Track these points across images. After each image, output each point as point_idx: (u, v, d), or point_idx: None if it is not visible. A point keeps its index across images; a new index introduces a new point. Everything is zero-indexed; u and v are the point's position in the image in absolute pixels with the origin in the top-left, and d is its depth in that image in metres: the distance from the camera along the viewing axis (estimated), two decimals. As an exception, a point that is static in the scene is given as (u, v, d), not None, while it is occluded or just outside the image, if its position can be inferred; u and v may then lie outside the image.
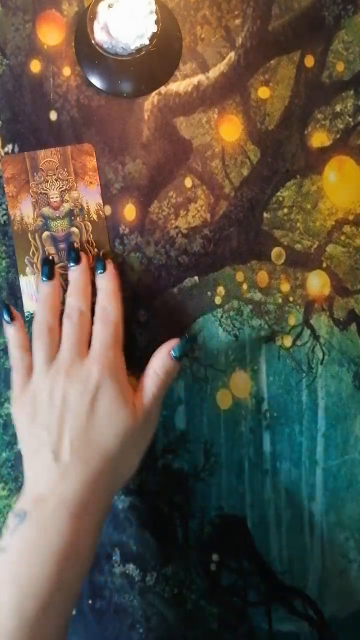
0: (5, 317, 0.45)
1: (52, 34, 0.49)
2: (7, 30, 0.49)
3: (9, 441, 0.49)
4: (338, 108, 0.49)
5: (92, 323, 0.44)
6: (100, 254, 0.47)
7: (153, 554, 0.49)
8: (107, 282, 0.45)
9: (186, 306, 0.49)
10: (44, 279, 0.45)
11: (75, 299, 0.44)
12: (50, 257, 0.48)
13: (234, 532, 0.49)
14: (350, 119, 0.49)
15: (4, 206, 0.49)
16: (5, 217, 0.49)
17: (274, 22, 0.49)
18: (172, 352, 0.44)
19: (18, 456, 0.49)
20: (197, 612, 0.49)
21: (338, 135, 0.49)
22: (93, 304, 0.45)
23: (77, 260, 0.46)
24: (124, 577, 0.48)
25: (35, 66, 0.49)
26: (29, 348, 0.44)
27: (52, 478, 0.39)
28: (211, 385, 0.49)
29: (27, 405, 0.42)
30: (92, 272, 0.46)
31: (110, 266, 0.46)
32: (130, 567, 0.49)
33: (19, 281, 0.49)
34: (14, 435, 0.49)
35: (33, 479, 0.40)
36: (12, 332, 0.45)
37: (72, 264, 0.46)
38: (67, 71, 0.49)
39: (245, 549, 0.49)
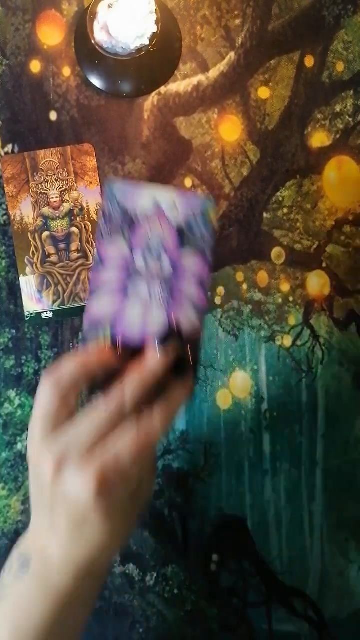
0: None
1: (52, 34, 0.49)
2: (7, 31, 0.49)
3: (9, 441, 0.49)
4: (338, 108, 0.49)
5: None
6: (190, 355, 0.37)
7: (153, 554, 0.49)
8: (180, 391, 0.35)
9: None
10: (119, 351, 0.36)
11: (131, 387, 0.34)
12: (52, 259, 0.46)
13: (234, 532, 0.49)
14: (350, 119, 0.49)
15: (4, 206, 0.49)
16: (5, 217, 0.49)
17: (274, 22, 0.49)
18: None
19: (18, 456, 0.49)
20: (197, 612, 0.48)
21: (338, 135, 0.49)
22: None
23: (166, 344, 0.35)
24: (124, 577, 0.48)
25: (35, 66, 0.49)
26: (77, 390, 0.35)
27: (53, 543, 0.36)
28: (211, 385, 0.49)
29: (30, 457, 0.36)
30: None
31: (191, 380, 0.36)
32: (130, 567, 0.49)
33: (19, 281, 0.49)
34: (14, 435, 0.49)
35: (38, 527, 0.37)
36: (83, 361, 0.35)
37: (161, 343, 0.35)
38: (67, 71, 0.49)
39: (245, 550, 0.49)
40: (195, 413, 0.49)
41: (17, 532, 0.48)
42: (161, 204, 0.38)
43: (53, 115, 0.49)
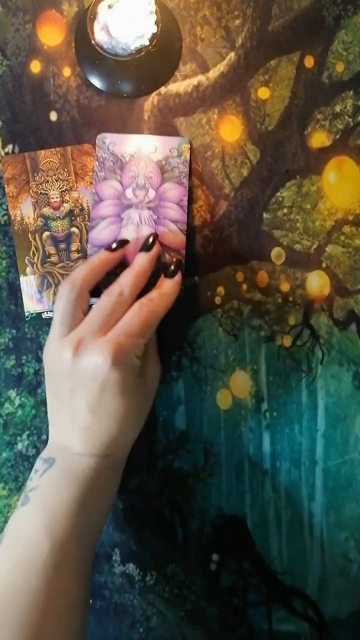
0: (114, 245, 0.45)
1: (52, 34, 0.49)
2: (7, 31, 0.49)
3: (9, 441, 0.49)
4: (338, 108, 0.49)
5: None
6: (175, 259, 0.47)
7: (153, 554, 0.49)
8: (169, 283, 0.44)
9: (186, 306, 0.49)
10: (114, 246, 0.45)
11: (126, 279, 0.43)
12: (52, 259, 0.49)
13: (234, 532, 0.49)
14: (350, 119, 0.49)
15: (4, 206, 0.49)
16: (5, 217, 0.49)
17: (274, 22, 0.49)
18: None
19: (18, 456, 0.49)
20: (197, 612, 0.48)
21: (338, 136, 0.49)
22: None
23: (149, 249, 0.45)
24: (124, 577, 0.48)
25: (35, 66, 0.49)
26: (86, 299, 0.43)
27: (73, 437, 0.41)
28: (211, 385, 0.49)
29: (47, 361, 0.43)
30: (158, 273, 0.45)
31: (179, 275, 0.45)
32: (130, 567, 0.49)
33: (19, 281, 0.49)
34: (14, 435, 0.49)
35: (57, 430, 0.42)
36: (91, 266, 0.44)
37: (144, 251, 0.45)
38: (67, 71, 0.49)
39: (245, 549, 0.49)
40: (195, 413, 0.49)
41: (17, 532, 0.48)
42: (143, 146, 0.48)
43: (53, 116, 0.49)
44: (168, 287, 0.44)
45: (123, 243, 0.46)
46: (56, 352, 0.41)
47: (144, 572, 0.49)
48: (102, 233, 0.47)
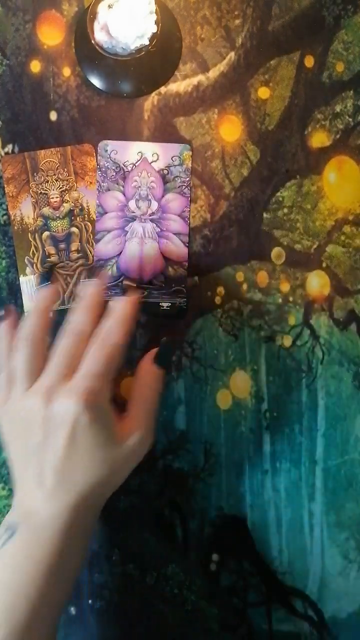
0: None
1: (52, 34, 0.49)
2: (7, 31, 0.49)
3: (9, 441, 0.49)
4: (338, 108, 0.49)
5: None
6: (127, 284, 0.46)
7: (153, 554, 0.49)
8: (124, 305, 0.41)
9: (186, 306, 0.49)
10: (44, 282, 0.43)
11: (79, 315, 0.41)
12: (52, 259, 0.48)
13: (234, 532, 0.49)
14: (350, 119, 0.49)
15: (4, 206, 0.49)
16: (5, 217, 0.49)
17: (274, 22, 0.49)
18: (155, 361, 0.42)
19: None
20: (197, 612, 0.48)
21: (338, 136, 0.49)
22: None
23: (96, 279, 0.43)
24: (124, 577, 0.48)
25: (35, 66, 0.49)
26: (44, 346, 0.41)
27: (39, 499, 0.38)
28: (211, 385, 0.49)
29: (8, 420, 0.40)
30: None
31: (132, 294, 0.43)
32: (130, 567, 0.49)
33: (19, 281, 0.49)
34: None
35: (22, 493, 0.39)
36: (2, 331, 0.43)
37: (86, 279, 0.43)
38: (67, 71, 0.49)
39: (245, 549, 0.49)
40: (195, 413, 0.49)
41: (17, 532, 0.48)
42: (145, 154, 0.48)
43: (53, 116, 0.49)
44: (119, 307, 0.41)
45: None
46: (24, 405, 0.39)
47: (144, 572, 0.49)
48: (107, 246, 0.48)
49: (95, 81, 0.48)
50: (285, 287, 0.49)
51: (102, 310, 0.41)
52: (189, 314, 0.49)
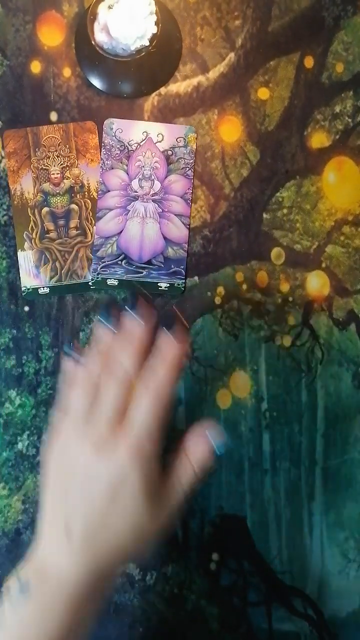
0: (67, 350, 0.38)
1: (52, 34, 0.49)
2: (7, 31, 0.49)
3: (9, 441, 0.49)
4: (337, 109, 0.50)
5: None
6: (176, 311, 0.43)
7: (153, 554, 0.49)
8: (171, 347, 0.36)
9: (186, 306, 0.49)
10: (105, 322, 0.37)
11: (126, 356, 0.36)
12: (50, 235, 0.47)
13: (234, 532, 0.49)
14: (350, 120, 0.49)
15: (4, 206, 0.49)
16: (5, 218, 0.49)
17: (273, 23, 0.49)
18: (215, 448, 0.38)
19: (18, 456, 0.49)
20: (197, 612, 0.49)
21: (337, 136, 0.50)
22: None
23: (139, 310, 0.37)
24: (124, 576, 0.48)
25: (35, 67, 0.49)
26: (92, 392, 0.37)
27: (60, 555, 0.35)
28: (211, 385, 0.49)
29: (52, 459, 0.37)
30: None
31: (181, 329, 0.38)
32: (130, 567, 0.49)
33: (19, 281, 0.49)
34: (14, 435, 0.49)
35: (43, 545, 0.37)
36: (75, 371, 0.38)
37: (133, 309, 0.37)
38: (67, 72, 0.49)
39: (245, 549, 0.49)
40: (195, 413, 0.49)
41: (17, 532, 0.48)
42: (150, 134, 0.48)
43: (53, 116, 0.49)
44: (166, 348, 0.37)
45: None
46: (75, 448, 0.36)
47: (144, 572, 0.49)
48: (108, 224, 0.48)
49: (96, 82, 0.49)
50: (285, 287, 0.49)
51: (148, 345, 0.37)
52: (188, 315, 0.49)
